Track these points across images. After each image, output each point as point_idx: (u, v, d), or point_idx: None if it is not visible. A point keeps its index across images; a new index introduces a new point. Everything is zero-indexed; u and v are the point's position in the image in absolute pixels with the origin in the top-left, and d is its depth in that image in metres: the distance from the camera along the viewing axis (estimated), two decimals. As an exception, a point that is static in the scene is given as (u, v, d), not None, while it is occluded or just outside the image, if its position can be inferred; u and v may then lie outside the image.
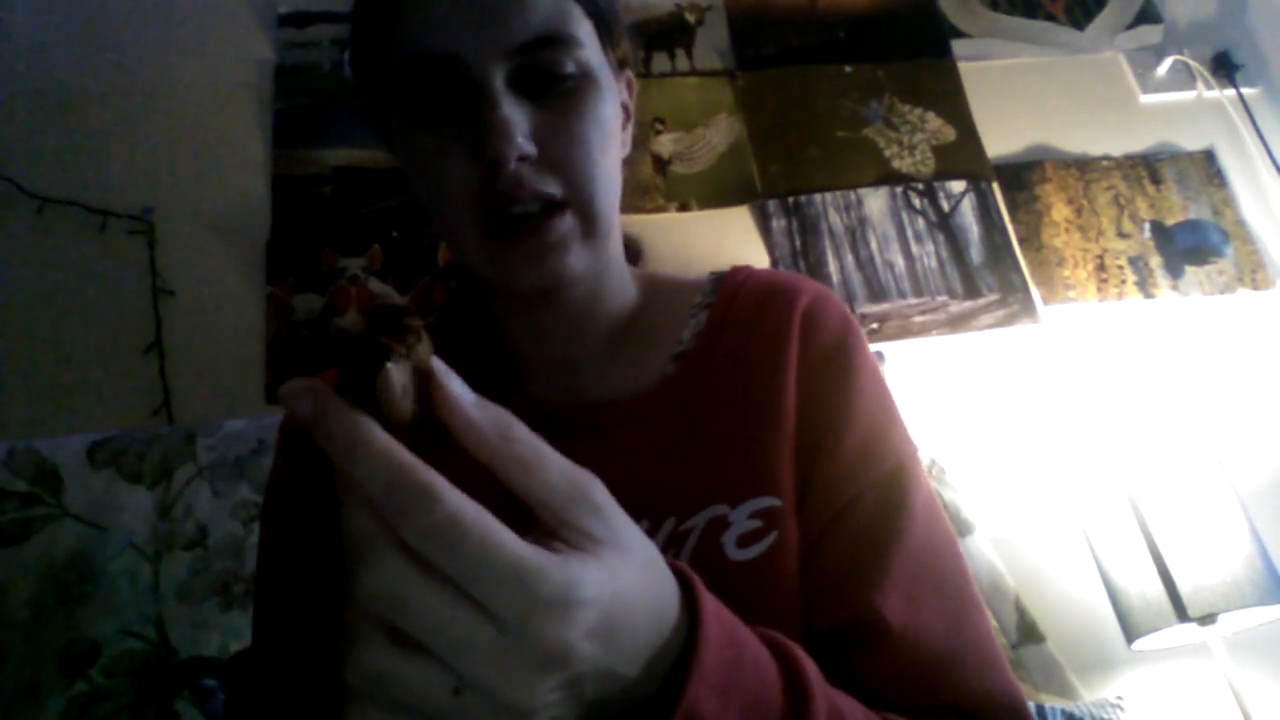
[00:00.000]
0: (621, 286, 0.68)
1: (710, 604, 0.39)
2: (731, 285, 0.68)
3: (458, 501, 0.30)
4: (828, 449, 0.58)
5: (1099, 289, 1.81)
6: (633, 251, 0.78)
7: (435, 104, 0.55)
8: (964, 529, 1.46)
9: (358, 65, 0.62)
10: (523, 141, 0.53)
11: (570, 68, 0.56)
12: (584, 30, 0.58)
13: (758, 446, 0.59)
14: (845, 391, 0.61)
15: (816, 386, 0.61)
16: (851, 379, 0.61)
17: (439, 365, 0.33)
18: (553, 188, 0.55)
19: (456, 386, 0.33)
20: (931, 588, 0.55)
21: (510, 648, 0.29)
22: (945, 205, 1.87)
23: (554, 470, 0.33)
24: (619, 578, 0.33)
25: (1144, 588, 1.34)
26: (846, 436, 0.59)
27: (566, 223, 0.56)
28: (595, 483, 0.34)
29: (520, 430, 0.33)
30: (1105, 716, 1.27)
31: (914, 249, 1.83)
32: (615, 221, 0.62)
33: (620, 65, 0.65)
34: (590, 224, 0.58)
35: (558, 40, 0.55)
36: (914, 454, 0.61)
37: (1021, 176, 1.91)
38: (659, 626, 0.36)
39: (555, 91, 0.56)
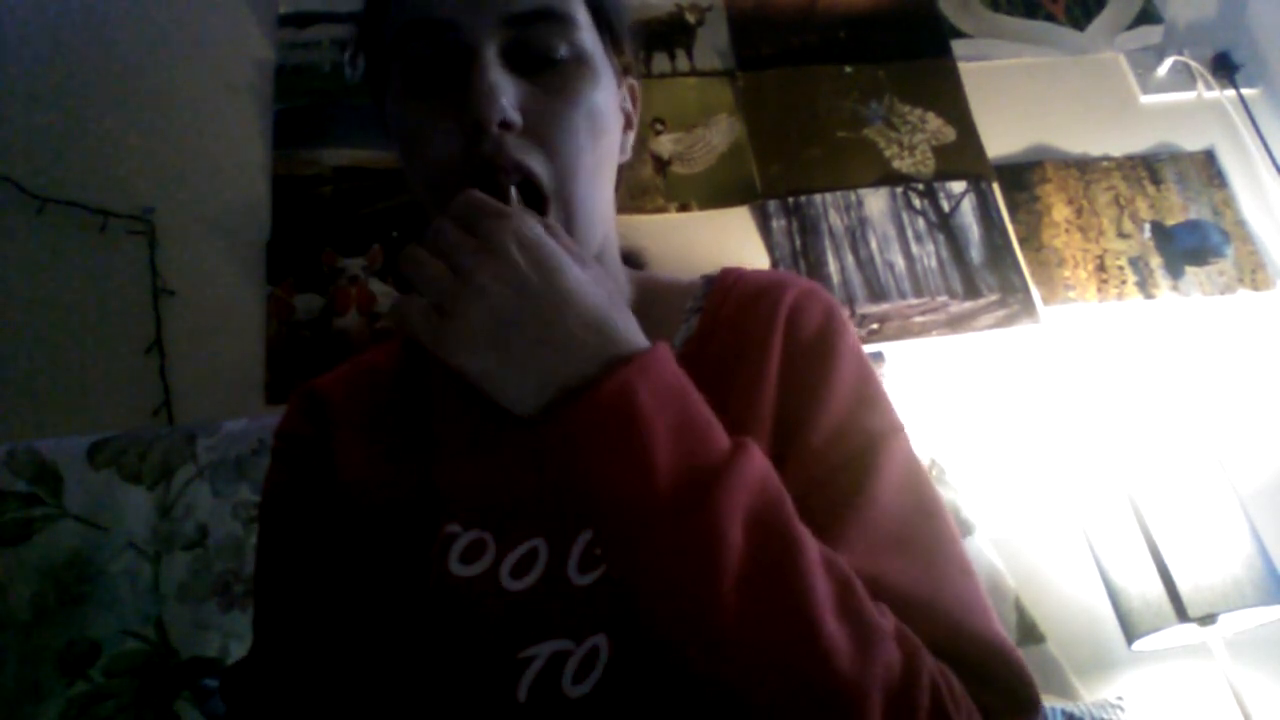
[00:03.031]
0: (615, 287, 0.68)
1: (668, 358, 0.48)
2: (722, 288, 0.68)
3: (476, 191, 0.49)
4: (799, 437, 0.58)
5: (1099, 289, 1.81)
6: (635, 262, 0.78)
7: (429, 72, 0.56)
8: (964, 529, 1.46)
9: (364, 42, 0.63)
10: (507, 105, 0.54)
11: (563, 48, 0.56)
12: (581, 14, 0.58)
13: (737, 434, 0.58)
14: (821, 380, 0.60)
15: (795, 375, 0.61)
16: (828, 367, 0.61)
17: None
18: (535, 162, 0.55)
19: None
20: (893, 548, 0.53)
21: (472, 240, 0.46)
22: (945, 205, 1.87)
23: None
24: (564, 252, 0.48)
25: (1144, 588, 1.34)
26: (819, 424, 0.58)
27: (548, 211, 0.56)
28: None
29: None
30: (1105, 717, 1.27)
31: (914, 249, 1.83)
32: (601, 221, 0.62)
33: (624, 71, 0.65)
34: (571, 219, 0.57)
35: (553, 15, 0.56)
36: (892, 432, 0.59)
37: (1021, 176, 1.91)
38: (607, 319, 0.47)
39: (548, 70, 0.56)
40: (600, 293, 0.48)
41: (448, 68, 0.55)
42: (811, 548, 0.46)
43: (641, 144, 1.99)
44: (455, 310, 0.45)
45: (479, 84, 0.53)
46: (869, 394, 0.61)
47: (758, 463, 0.47)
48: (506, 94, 0.54)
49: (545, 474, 0.47)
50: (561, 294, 0.46)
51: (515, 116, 0.54)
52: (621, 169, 0.71)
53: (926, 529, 0.56)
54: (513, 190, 0.53)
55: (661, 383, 0.46)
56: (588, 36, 0.58)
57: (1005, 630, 0.53)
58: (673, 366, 0.48)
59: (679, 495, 0.44)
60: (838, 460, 0.57)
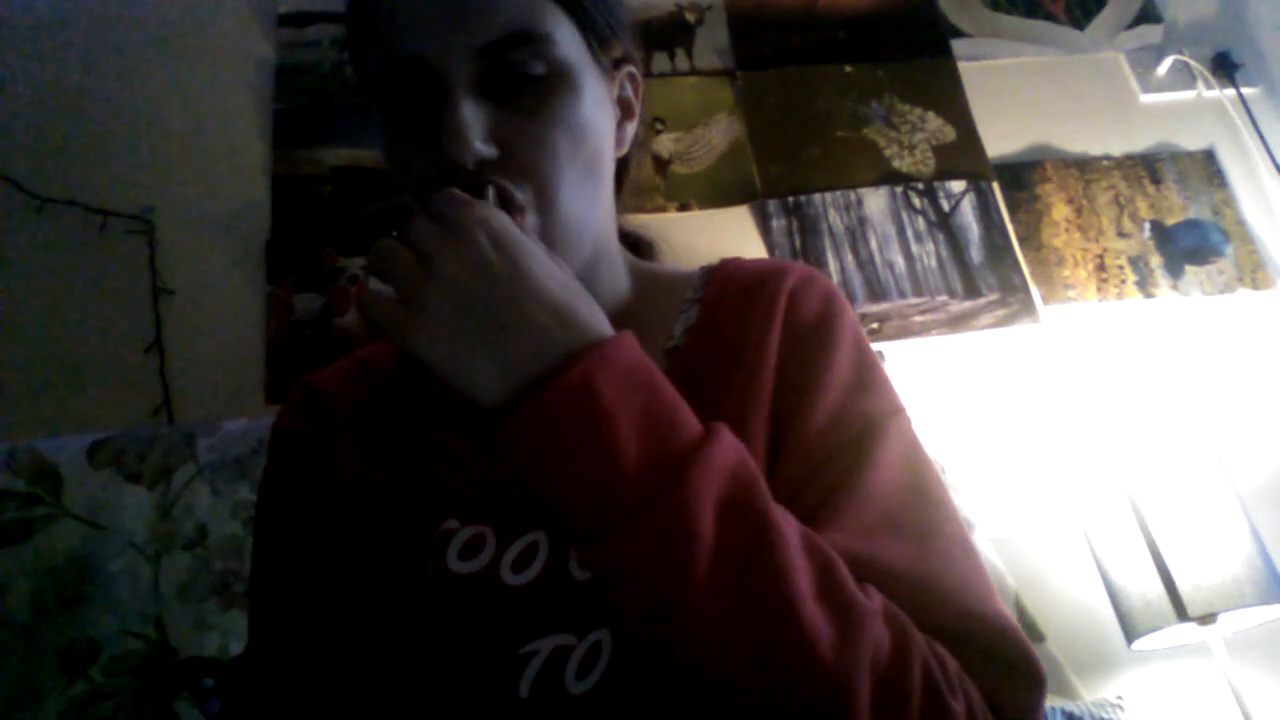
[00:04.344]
0: (612, 282, 0.68)
1: (633, 343, 0.48)
2: (721, 278, 0.67)
3: (455, 189, 0.49)
4: (798, 422, 0.57)
5: (1099, 289, 1.81)
6: (645, 251, 0.78)
7: (405, 106, 0.56)
8: (964, 529, 1.46)
9: (352, 62, 0.64)
10: (479, 145, 0.53)
11: (539, 68, 0.55)
12: (560, 27, 0.57)
13: (735, 422, 0.57)
14: (820, 365, 0.60)
15: (794, 360, 0.60)
16: (827, 352, 0.60)
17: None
18: (513, 188, 0.55)
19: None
20: (886, 528, 0.52)
21: (440, 228, 0.47)
22: (945, 205, 1.87)
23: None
24: (528, 239, 0.48)
25: (1144, 588, 1.34)
26: (816, 409, 0.57)
27: (525, 223, 0.55)
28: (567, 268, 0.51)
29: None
30: (1105, 716, 1.27)
31: (914, 249, 1.83)
32: (591, 227, 0.61)
33: (616, 63, 0.64)
34: (553, 232, 0.57)
35: (526, 38, 0.55)
36: (892, 413, 0.59)
37: (1021, 176, 1.91)
38: (570, 306, 0.47)
39: (524, 92, 0.56)
40: (565, 281, 0.48)
41: (424, 100, 0.55)
42: (788, 531, 0.45)
43: (641, 144, 1.99)
44: (419, 298, 0.44)
45: (450, 124, 0.53)
46: (868, 377, 0.61)
47: (729, 447, 0.46)
48: (478, 131, 0.53)
49: (509, 467, 0.46)
50: (525, 279, 0.46)
51: (488, 151, 0.54)
52: (625, 161, 0.70)
53: (923, 509, 0.55)
54: (490, 191, 0.53)
55: (626, 371, 0.46)
56: (567, 47, 0.57)
57: (1007, 608, 0.52)
58: (638, 354, 0.47)
59: (645, 485, 0.43)
60: (835, 444, 0.56)
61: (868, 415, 0.58)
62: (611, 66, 0.63)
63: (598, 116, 0.60)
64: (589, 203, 0.60)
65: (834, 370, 0.59)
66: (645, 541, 0.42)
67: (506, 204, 0.55)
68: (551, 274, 0.47)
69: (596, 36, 0.60)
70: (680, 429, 0.46)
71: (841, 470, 0.55)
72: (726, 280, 0.67)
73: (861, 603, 0.44)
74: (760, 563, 0.43)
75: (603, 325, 0.48)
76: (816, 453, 0.56)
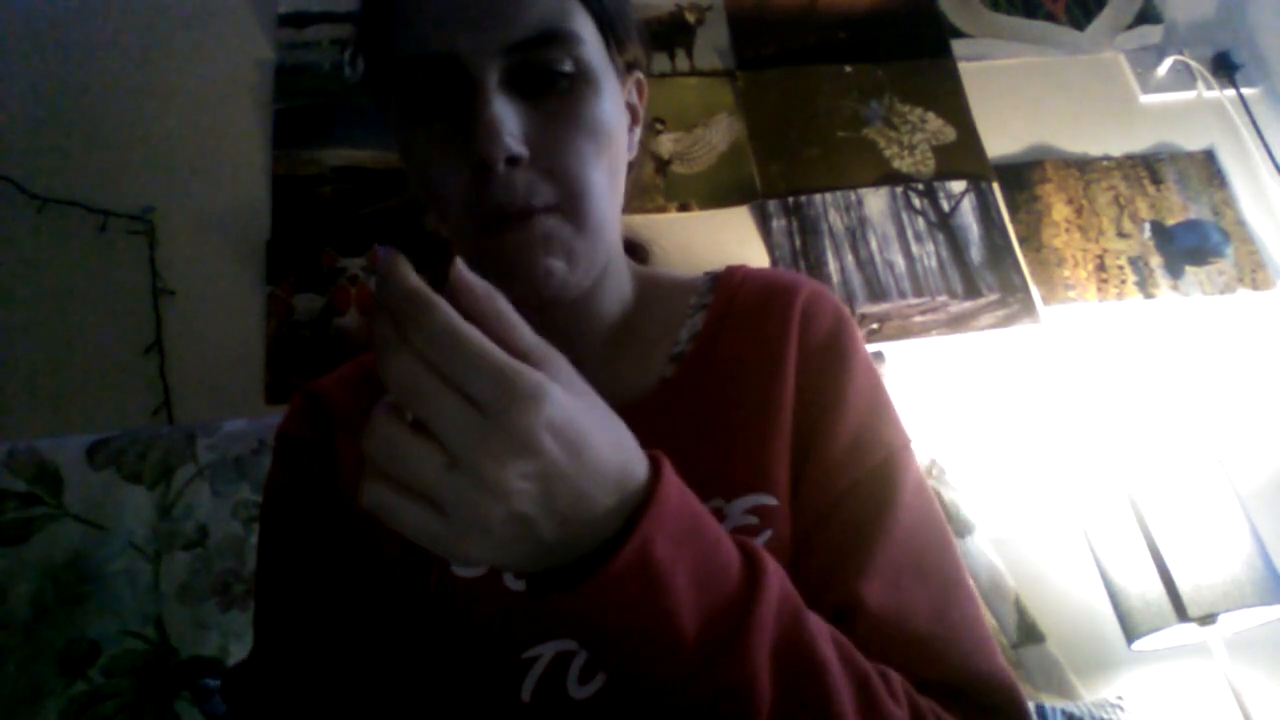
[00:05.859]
0: (618, 287, 0.68)
1: (673, 477, 0.42)
2: (729, 285, 0.68)
3: (454, 315, 0.35)
4: (819, 445, 0.58)
5: (1099, 289, 1.81)
6: (640, 255, 0.78)
7: (431, 101, 0.55)
8: (964, 529, 1.46)
9: (365, 60, 0.62)
10: (511, 142, 0.52)
11: (568, 66, 0.55)
12: (585, 28, 0.57)
13: (756, 443, 0.58)
14: (837, 387, 0.61)
15: (811, 381, 0.61)
16: (843, 374, 0.61)
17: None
18: (543, 197, 0.54)
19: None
20: (916, 575, 0.55)
21: (489, 430, 0.35)
22: (945, 205, 1.87)
23: (529, 334, 0.38)
24: (581, 404, 0.38)
25: (1144, 588, 1.34)
26: (837, 432, 0.59)
27: (552, 221, 0.55)
28: (563, 358, 0.40)
29: (502, 299, 0.38)
30: (1105, 716, 1.27)
31: (914, 249, 1.83)
32: (611, 226, 0.61)
33: (628, 67, 0.64)
34: (580, 227, 0.56)
35: (556, 37, 0.55)
36: (905, 445, 0.61)
37: (1021, 176, 1.91)
38: (623, 466, 0.40)
39: (552, 91, 0.55)
40: (612, 430, 0.41)
41: (451, 96, 0.54)
42: (830, 656, 0.45)
43: (642, 146, 1.98)
44: (461, 512, 0.35)
45: (482, 120, 0.52)
46: (881, 401, 0.62)
47: (774, 581, 0.44)
48: (510, 128, 0.52)
49: (557, 630, 0.45)
50: (590, 466, 0.38)
51: (520, 149, 0.53)
52: (630, 165, 0.71)
53: (941, 551, 0.58)
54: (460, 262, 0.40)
55: (675, 520, 0.41)
56: (591, 48, 0.57)
57: (1004, 661, 0.56)
58: (679, 490, 0.43)
59: (707, 646, 0.41)
60: (858, 473, 0.58)
61: (887, 445, 0.60)
62: (624, 70, 0.63)
63: (616, 119, 0.60)
64: (612, 207, 0.60)
65: (852, 396, 0.61)
66: (709, 702, 0.42)
67: (530, 205, 0.54)
68: (605, 436, 0.40)
69: (615, 39, 0.60)
70: (729, 570, 0.43)
71: (868, 505, 0.57)
72: (735, 289, 0.67)
73: (894, 713, 0.46)
74: (813, 698, 0.44)
75: (641, 461, 0.42)
76: (840, 481, 0.58)
